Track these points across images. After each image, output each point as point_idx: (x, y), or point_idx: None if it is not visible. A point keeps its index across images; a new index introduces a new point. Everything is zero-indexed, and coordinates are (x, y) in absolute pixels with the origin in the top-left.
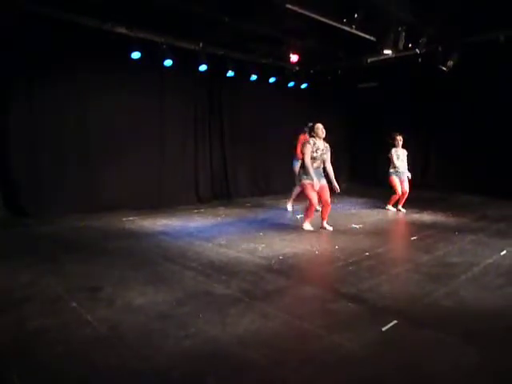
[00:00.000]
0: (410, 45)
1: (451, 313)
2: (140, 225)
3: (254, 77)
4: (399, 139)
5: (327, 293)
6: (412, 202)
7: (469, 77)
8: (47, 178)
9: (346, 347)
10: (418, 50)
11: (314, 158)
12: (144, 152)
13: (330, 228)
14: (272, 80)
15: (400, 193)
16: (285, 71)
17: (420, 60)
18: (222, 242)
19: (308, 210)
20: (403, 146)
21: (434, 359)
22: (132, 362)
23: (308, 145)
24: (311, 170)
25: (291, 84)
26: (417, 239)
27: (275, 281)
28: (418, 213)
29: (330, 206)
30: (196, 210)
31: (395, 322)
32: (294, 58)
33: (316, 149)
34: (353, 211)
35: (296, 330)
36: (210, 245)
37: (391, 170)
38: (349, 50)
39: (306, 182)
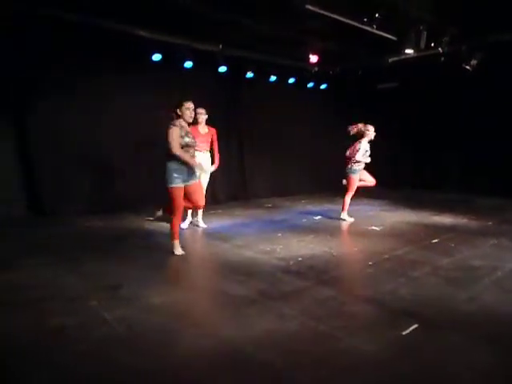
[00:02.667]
0: (432, 44)
1: (472, 317)
2: (159, 225)
3: (273, 78)
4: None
5: (345, 295)
6: (431, 204)
7: (492, 76)
8: (68, 179)
9: (364, 350)
10: (440, 49)
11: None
12: (163, 153)
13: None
14: (291, 81)
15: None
16: (304, 72)
17: (443, 59)
18: (240, 243)
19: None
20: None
21: (454, 363)
22: (148, 362)
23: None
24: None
25: (311, 85)
26: (437, 242)
27: (292, 282)
28: (437, 215)
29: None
30: (213, 211)
31: (415, 325)
32: (313, 58)
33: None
34: (372, 213)
35: (313, 332)
36: (228, 245)
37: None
38: (369, 50)
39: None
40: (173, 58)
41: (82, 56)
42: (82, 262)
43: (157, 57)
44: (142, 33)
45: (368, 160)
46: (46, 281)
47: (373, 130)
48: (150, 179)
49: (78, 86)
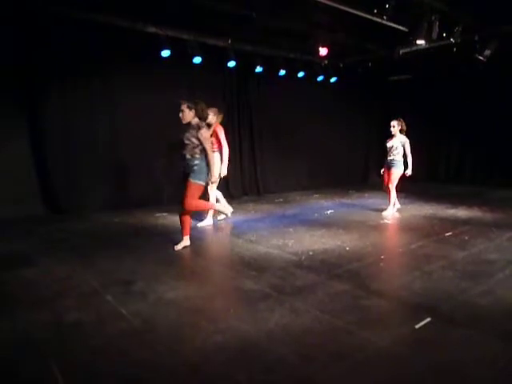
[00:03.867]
0: (444, 34)
1: (487, 311)
2: (172, 220)
3: (282, 72)
4: (391, 125)
5: (358, 289)
6: (446, 197)
7: (505, 66)
8: (82, 176)
9: (378, 344)
10: (452, 40)
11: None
12: (174, 149)
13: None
14: (301, 74)
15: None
16: (314, 65)
17: (455, 50)
18: (252, 238)
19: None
20: (406, 134)
21: (468, 358)
22: (164, 356)
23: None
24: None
25: (320, 78)
26: (452, 235)
27: (305, 276)
28: (452, 208)
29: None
30: None
31: (429, 319)
32: (323, 51)
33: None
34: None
35: (326, 326)
36: (240, 240)
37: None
38: (380, 41)
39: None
40: (182, 54)
41: (94, 54)
42: (97, 258)
43: (166, 53)
44: (151, 29)
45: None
46: (62, 277)
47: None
48: (162, 176)
49: (91, 84)
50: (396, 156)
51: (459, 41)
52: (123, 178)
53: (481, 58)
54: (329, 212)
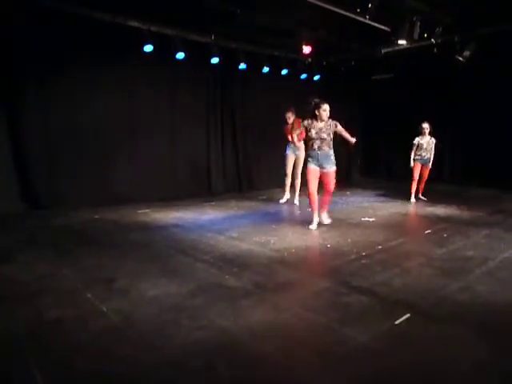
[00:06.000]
0: (425, 35)
1: (465, 307)
2: (153, 217)
3: (266, 69)
4: (424, 127)
5: (339, 286)
6: (426, 196)
7: (484, 67)
8: (62, 171)
9: (358, 340)
10: (433, 40)
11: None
12: (156, 145)
13: (328, 221)
14: (284, 72)
15: (415, 178)
16: (297, 63)
17: (436, 50)
18: (234, 235)
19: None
20: (431, 135)
21: (446, 353)
22: (145, 353)
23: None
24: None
25: (304, 76)
26: (430, 233)
27: (287, 273)
28: (431, 206)
29: (331, 195)
30: (208, 203)
31: (408, 315)
32: (306, 49)
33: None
34: (365, 204)
35: (307, 323)
36: (222, 237)
37: (413, 157)
38: (363, 40)
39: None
40: (164, 49)
41: (73, 47)
42: (78, 255)
43: (148, 48)
44: (134, 23)
45: (420, 152)
46: (42, 274)
47: (424, 126)
48: (142, 172)
49: (70, 79)
50: (431, 154)
51: (440, 41)
52: (104, 174)
53: (460, 58)
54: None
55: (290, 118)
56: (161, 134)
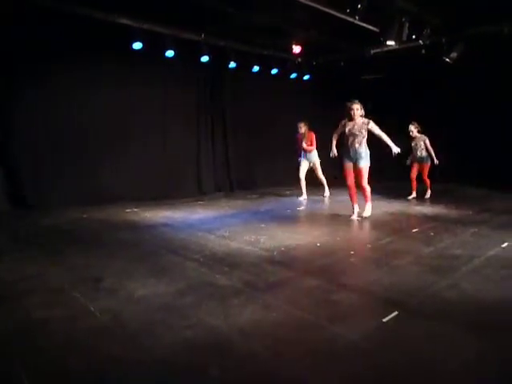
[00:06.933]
0: (413, 36)
1: (452, 304)
2: (142, 216)
3: (256, 68)
4: (409, 130)
5: (329, 284)
6: (426, 193)
7: (471, 68)
8: (49, 170)
9: (348, 338)
10: (421, 42)
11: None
12: (146, 144)
13: (367, 214)
14: (274, 71)
15: (412, 177)
16: (287, 63)
17: (424, 51)
18: (225, 234)
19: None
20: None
21: (434, 350)
22: (134, 352)
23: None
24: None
25: (293, 75)
26: (419, 231)
27: (277, 272)
28: (420, 205)
29: (365, 189)
30: (198, 202)
31: (396, 313)
32: (296, 49)
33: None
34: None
35: (298, 321)
36: (213, 236)
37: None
38: (352, 41)
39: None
40: (154, 47)
41: (60, 44)
42: (66, 255)
43: (137, 45)
44: (123, 20)
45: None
46: (30, 274)
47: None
48: (131, 171)
49: (56, 77)
50: (423, 152)
51: (428, 42)
52: (92, 173)
53: (448, 59)
54: (300, 208)
55: (302, 128)
56: (151, 133)
